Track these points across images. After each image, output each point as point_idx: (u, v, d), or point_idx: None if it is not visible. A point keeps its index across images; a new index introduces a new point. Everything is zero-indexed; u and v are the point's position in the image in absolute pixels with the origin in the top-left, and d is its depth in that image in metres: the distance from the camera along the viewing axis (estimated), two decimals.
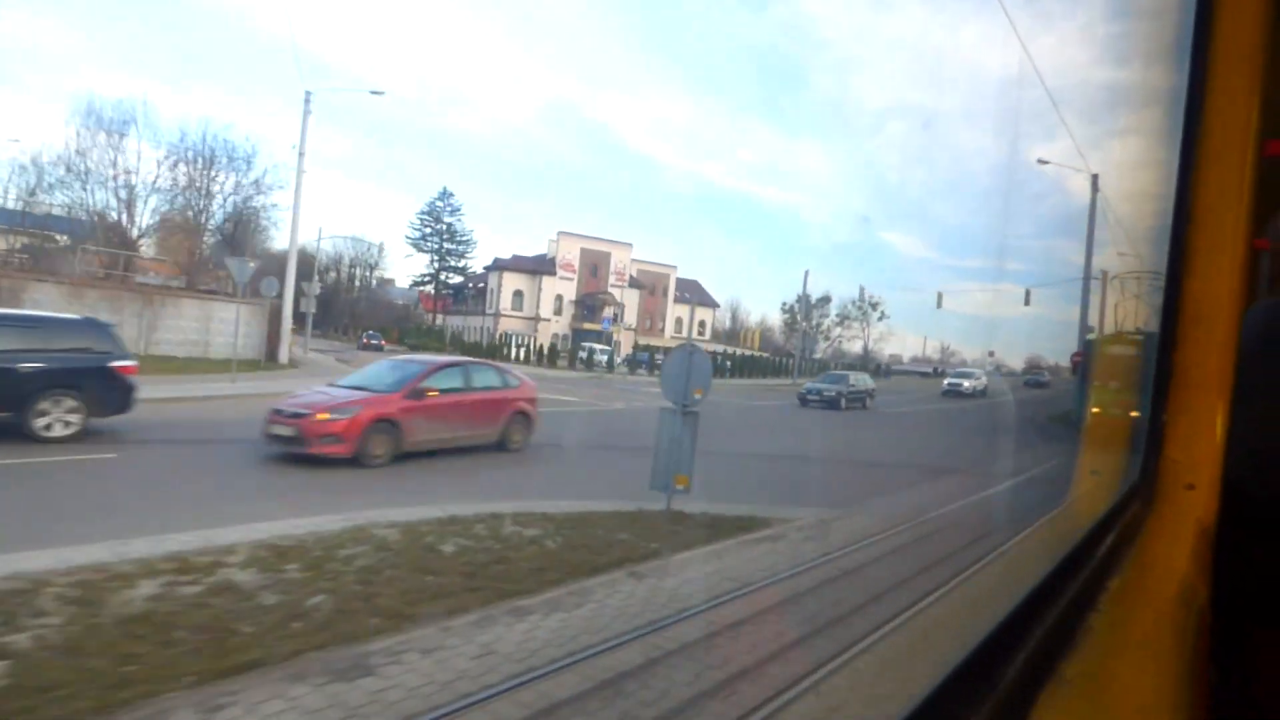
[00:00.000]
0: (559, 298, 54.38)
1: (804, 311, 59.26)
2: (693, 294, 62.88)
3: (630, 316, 56.76)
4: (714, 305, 65.56)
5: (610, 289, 55.70)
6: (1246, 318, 1.38)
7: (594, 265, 55.45)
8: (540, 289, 54.05)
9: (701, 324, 63.21)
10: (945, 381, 38.20)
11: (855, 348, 63.35)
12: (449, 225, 61.34)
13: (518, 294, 54.43)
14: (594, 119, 72.14)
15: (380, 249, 61.33)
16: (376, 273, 61.53)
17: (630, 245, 57.28)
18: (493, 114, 74.02)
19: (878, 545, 6.46)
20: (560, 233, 55.46)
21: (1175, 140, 1.53)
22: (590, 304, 54.57)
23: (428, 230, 60.95)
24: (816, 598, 4.64)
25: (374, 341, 41.51)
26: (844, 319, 63.64)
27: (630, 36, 71.74)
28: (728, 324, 68.43)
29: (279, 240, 35.88)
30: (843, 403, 24.65)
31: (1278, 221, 1.38)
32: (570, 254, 54.85)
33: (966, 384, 36.13)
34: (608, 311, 46.97)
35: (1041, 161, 14.94)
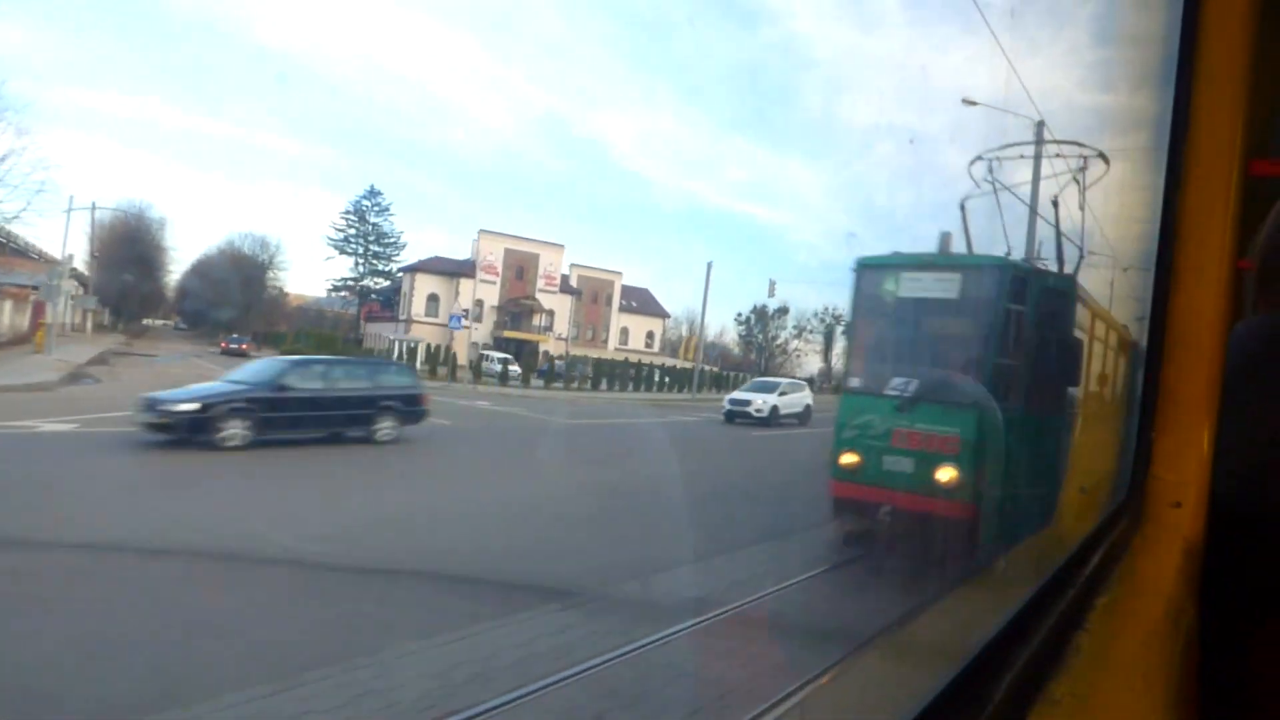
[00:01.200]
0: (479, 303, 52.89)
1: (758, 323, 60.22)
2: (640, 303, 62.85)
3: (561, 324, 56.00)
4: (664, 315, 65.94)
5: (539, 294, 55.09)
6: (1232, 336, 1.50)
7: (520, 267, 54.60)
8: (457, 293, 52.36)
9: (650, 334, 63.38)
10: (726, 399, 26.68)
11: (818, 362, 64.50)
12: (375, 225, 60.23)
13: (433, 298, 53.06)
14: (581, 134, 76.12)
15: (276, 246, 59.02)
16: (271, 273, 59.29)
17: (562, 247, 56.62)
18: (475, 125, 76.81)
19: None
20: (481, 231, 54.38)
21: (1160, 162, 1.65)
22: (514, 310, 53.53)
23: (351, 231, 59.76)
24: None
25: (234, 345, 40.54)
26: (801, 331, 65.20)
27: (618, 53, 74.76)
28: (684, 335, 69.30)
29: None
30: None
31: (1257, 240, 1.50)
32: (493, 254, 53.89)
33: (758, 402, 24.38)
34: (457, 308, 45.69)
35: (968, 102, 12.34)
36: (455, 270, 53.46)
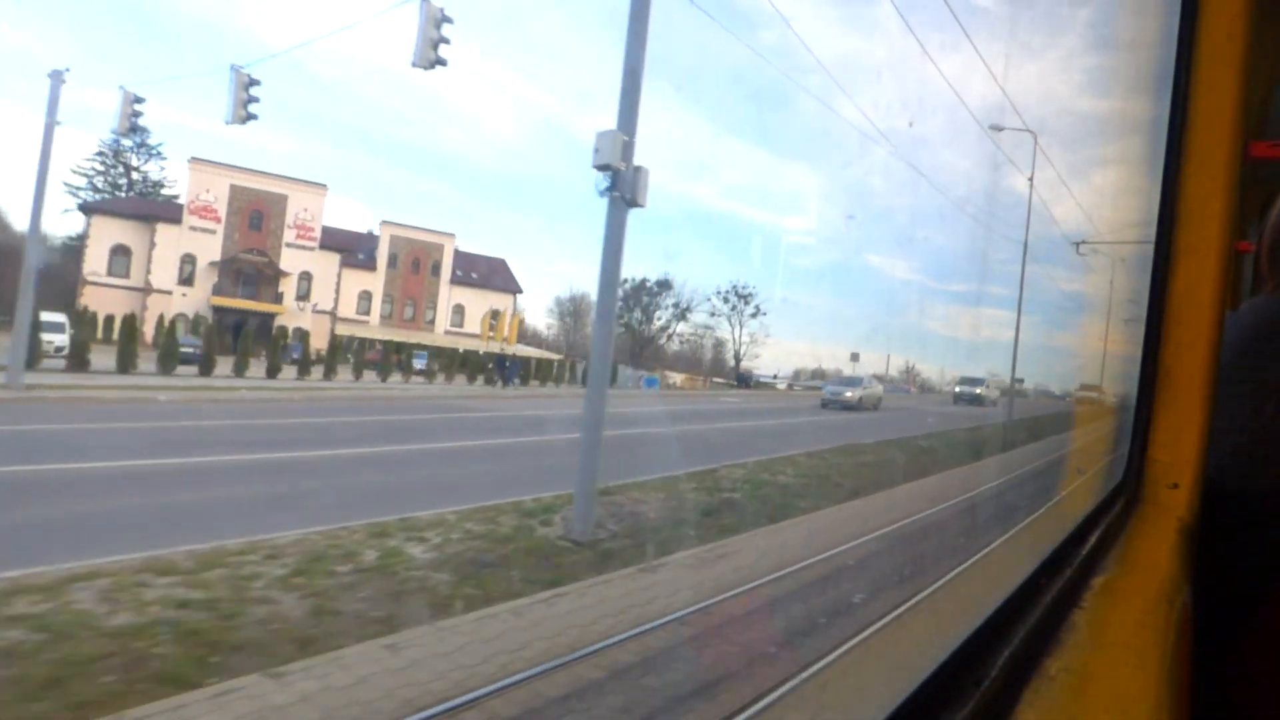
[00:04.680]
0: (189, 259, 45.40)
1: (633, 301, 60.84)
2: (483, 275, 59.50)
3: (323, 292, 49.89)
4: (515, 290, 62.66)
5: (286, 247, 48.26)
6: (1229, 319, 1.80)
7: (256, 212, 47.41)
8: (154, 244, 44.60)
9: (495, 314, 58.66)
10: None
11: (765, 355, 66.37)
12: (132, 171, 54.59)
13: (120, 251, 44.90)
14: (576, 136, 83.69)
15: None
16: None
17: (325, 187, 49.53)
18: (475, 129, 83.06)
19: None
20: (193, 159, 46.09)
21: (1160, 144, 1.93)
22: (244, 269, 46.34)
23: (100, 180, 53.54)
24: None
25: None
26: (684, 313, 66.53)
27: (616, 56, 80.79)
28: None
29: None
30: None
31: (1263, 222, 1.80)
32: (211, 192, 45.99)
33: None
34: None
35: (996, 128, 15.64)
36: (151, 213, 45.72)
